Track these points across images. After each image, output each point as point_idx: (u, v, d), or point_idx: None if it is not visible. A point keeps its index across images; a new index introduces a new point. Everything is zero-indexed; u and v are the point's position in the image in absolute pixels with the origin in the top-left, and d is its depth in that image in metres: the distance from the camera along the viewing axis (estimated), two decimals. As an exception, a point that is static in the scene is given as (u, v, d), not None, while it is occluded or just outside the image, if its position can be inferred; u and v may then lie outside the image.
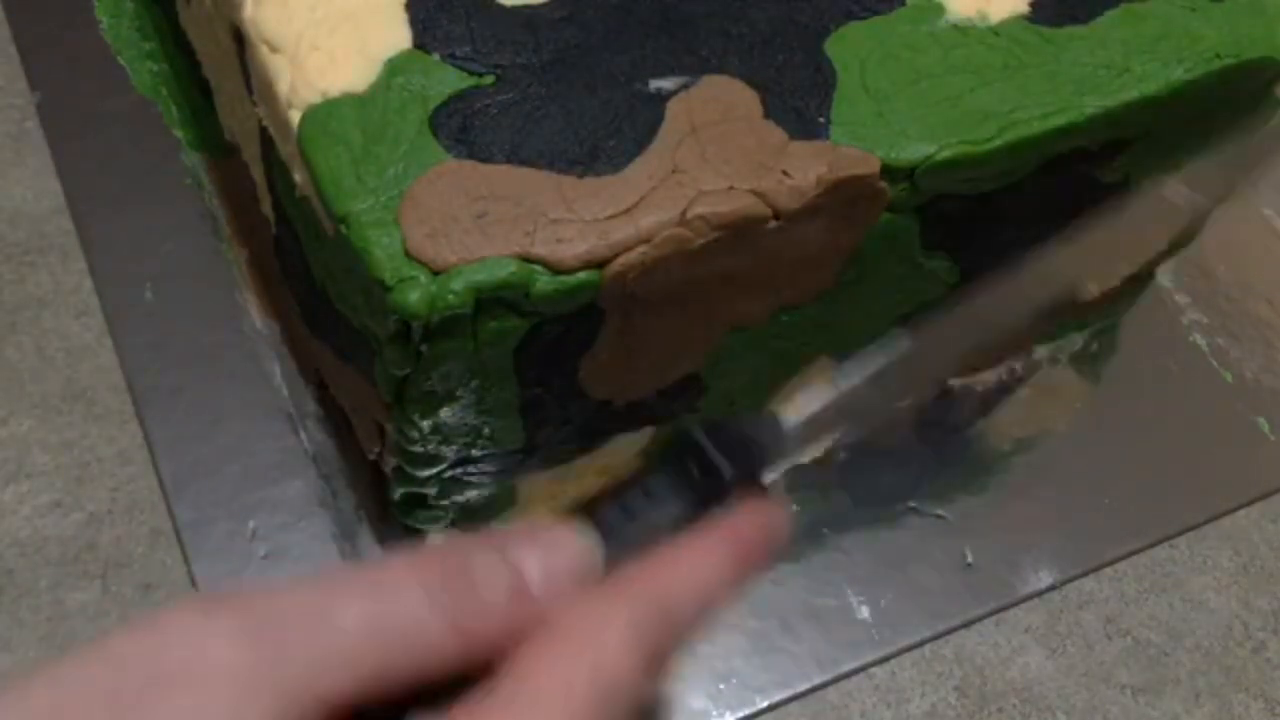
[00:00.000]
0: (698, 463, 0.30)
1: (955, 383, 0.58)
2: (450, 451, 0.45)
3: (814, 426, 0.34)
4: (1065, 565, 0.55)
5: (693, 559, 0.28)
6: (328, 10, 0.43)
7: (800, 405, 0.33)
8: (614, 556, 0.28)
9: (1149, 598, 0.55)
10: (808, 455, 0.38)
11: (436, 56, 0.42)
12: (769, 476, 0.32)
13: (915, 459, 0.57)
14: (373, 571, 0.25)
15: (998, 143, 0.43)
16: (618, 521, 0.29)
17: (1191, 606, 0.55)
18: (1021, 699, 0.52)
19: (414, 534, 0.51)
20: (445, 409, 0.42)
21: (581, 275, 0.39)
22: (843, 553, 0.54)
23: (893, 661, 0.52)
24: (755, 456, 0.31)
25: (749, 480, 0.31)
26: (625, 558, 0.28)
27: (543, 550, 0.26)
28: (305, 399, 0.54)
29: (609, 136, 0.41)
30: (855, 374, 0.36)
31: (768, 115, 0.42)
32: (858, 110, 0.43)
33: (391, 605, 0.24)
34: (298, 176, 0.42)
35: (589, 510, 0.29)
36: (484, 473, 0.48)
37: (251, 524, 0.51)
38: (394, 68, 0.42)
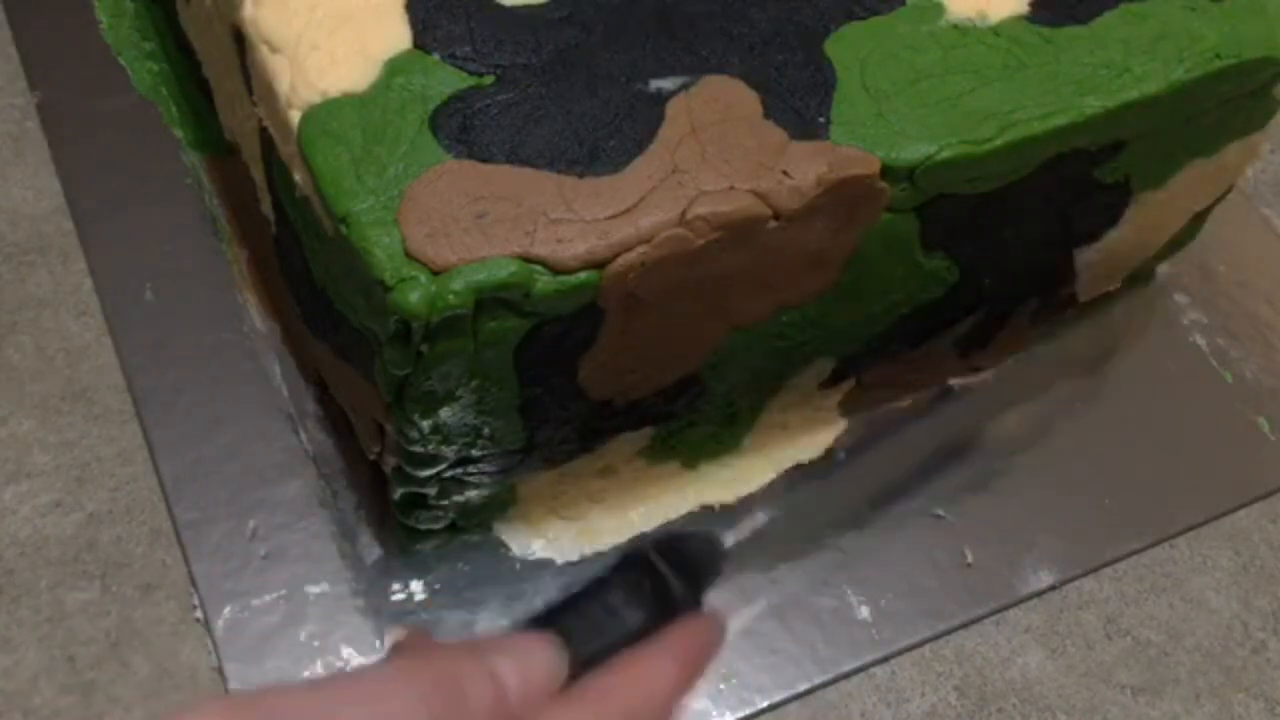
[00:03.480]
0: (650, 579, 0.33)
1: (955, 382, 0.58)
2: (450, 451, 0.45)
3: (751, 547, 0.38)
4: (1065, 565, 0.55)
5: (649, 671, 0.31)
6: (328, 10, 0.43)
7: (740, 529, 0.37)
8: (576, 666, 0.30)
9: (1149, 598, 0.55)
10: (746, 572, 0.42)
11: (436, 56, 0.42)
12: (711, 590, 0.35)
13: (915, 459, 0.57)
14: (372, 679, 0.27)
15: (998, 143, 0.43)
16: (580, 632, 0.31)
17: (1191, 606, 0.55)
18: (1021, 699, 0.52)
19: (414, 534, 0.51)
20: (445, 409, 0.42)
21: (581, 275, 0.39)
22: (843, 553, 0.54)
23: (893, 661, 0.52)
24: (700, 573, 0.35)
25: (695, 594, 0.34)
26: (586, 667, 0.30)
27: (519, 661, 0.29)
28: (305, 399, 0.54)
29: (609, 136, 0.41)
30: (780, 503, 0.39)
31: (768, 115, 0.42)
32: (858, 110, 0.43)
33: (389, 711, 0.27)
34: (298, 176, 0.42)
35: (553, 620, 0.32)
36: (484, 473, 0.48)
37: (251, 524, 0.51)
38: (394, 68, 0.42)
